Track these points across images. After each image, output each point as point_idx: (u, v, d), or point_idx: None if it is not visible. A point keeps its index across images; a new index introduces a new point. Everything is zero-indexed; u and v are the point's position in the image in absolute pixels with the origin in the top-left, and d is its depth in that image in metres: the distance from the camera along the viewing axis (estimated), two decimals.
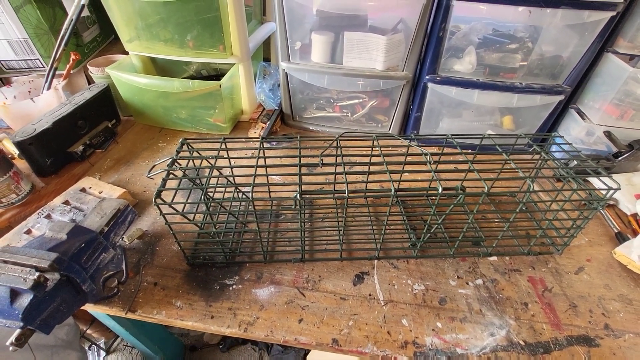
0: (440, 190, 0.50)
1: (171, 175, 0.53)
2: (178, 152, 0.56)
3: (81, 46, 1.03)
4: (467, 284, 0.59)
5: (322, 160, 0.55)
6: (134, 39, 0.87)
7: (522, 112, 0.86)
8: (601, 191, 0.55)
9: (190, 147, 0.60)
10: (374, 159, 0.64)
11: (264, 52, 1.10)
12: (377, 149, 0.60)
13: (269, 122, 0.92)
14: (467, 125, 0.91)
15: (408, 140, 0.59)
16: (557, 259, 0.63)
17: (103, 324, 0.98)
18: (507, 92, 0.79)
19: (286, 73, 0.87)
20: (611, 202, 0.75)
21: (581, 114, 0.80)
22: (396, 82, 0.82)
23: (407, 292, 0.57)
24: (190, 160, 0.58)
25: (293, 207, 0.71)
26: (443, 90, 0.82)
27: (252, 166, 0.54)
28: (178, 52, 0.84)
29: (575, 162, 0.70)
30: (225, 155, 0.62)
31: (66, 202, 0.69)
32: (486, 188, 0.51)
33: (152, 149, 0.88)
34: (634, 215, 0.71)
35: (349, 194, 0.50)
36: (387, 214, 0.55)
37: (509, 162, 0.55)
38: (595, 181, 0.75)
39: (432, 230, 0.59)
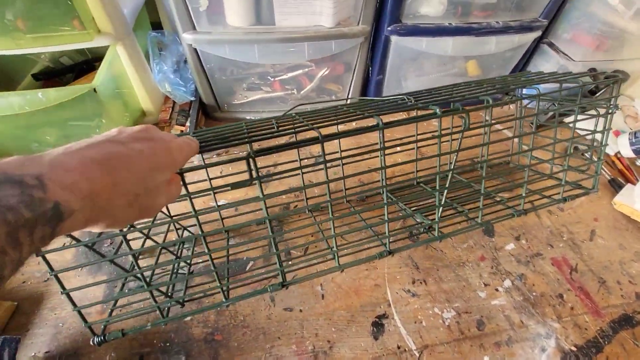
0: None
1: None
2: None
3: None
4: (497, 290, 0.50)
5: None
6: None
7: (487, 54, 0.74)
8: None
9: None
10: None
11: (150, 16, 0.77)
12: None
13: (188, 122, 0.66)
14: (431, 79, 0.77)
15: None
16: (569, 228, 0.58)
17: None
18: (484, 36, 0.65)
19: (195, 49, 0.60)
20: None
21: (555, 49, 0.71)
22: (351, 40, 0.62)
23: (439, 327, 0.46)
24: None
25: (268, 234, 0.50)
26: (410, 44, 0.64)
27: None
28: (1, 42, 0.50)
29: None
30: None
31: None
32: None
33: None
34: (617, 154, 0.68)
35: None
36: (384, 203, 0.40)
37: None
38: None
39: (446, 201, 0.43)
